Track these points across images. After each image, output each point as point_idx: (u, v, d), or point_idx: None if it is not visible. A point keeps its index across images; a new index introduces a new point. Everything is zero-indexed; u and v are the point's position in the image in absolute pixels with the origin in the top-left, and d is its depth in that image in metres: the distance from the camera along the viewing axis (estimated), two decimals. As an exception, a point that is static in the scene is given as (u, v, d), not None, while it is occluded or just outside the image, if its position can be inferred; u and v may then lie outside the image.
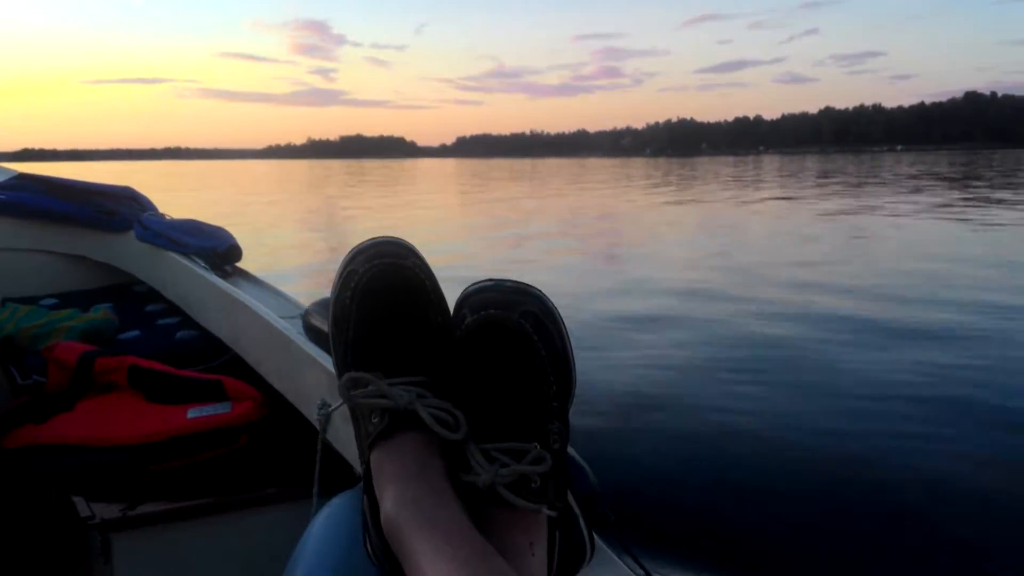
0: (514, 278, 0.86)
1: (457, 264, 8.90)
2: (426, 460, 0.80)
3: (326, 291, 1.84)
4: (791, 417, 3.66)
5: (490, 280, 0.86)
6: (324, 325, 1.69)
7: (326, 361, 1.57)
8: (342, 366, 0.88)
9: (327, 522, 1.55)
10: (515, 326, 0.81)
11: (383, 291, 0.86)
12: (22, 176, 2.82)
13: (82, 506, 1.53)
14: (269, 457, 1.73)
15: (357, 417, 0.85)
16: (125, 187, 2.78)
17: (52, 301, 2.47)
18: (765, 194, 23.07)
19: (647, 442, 3.35)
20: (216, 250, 2.35)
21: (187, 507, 1.58)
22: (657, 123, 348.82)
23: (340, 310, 0.88)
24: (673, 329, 5.53)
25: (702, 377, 4.32)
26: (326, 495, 1.55)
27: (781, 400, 3.90)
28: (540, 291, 0.85)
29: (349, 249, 0.90)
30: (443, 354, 0.86)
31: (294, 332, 1.73)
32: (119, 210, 2.67)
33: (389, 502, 0.77)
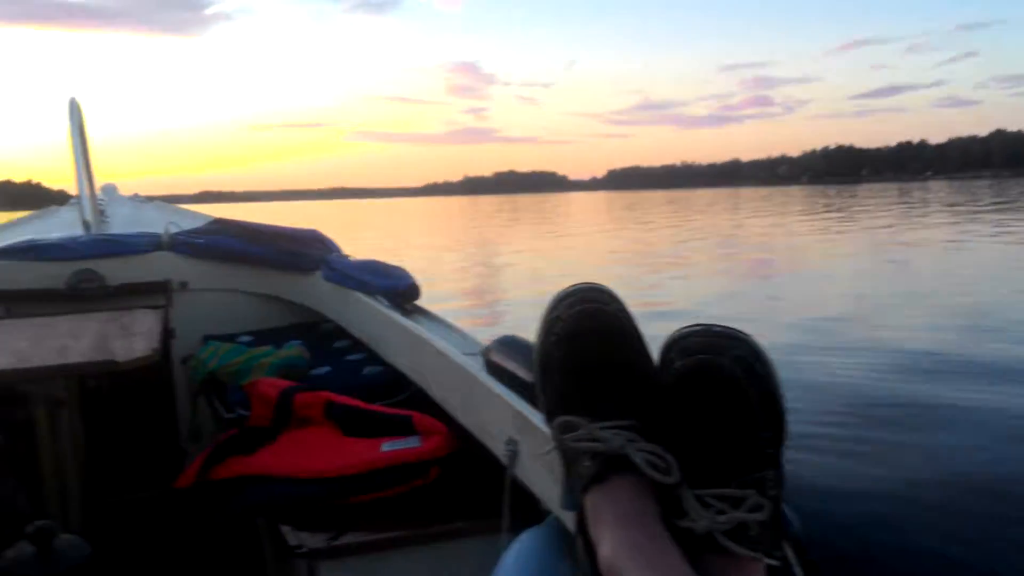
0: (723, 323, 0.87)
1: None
2: (642, 505, 0.81)
3: (505, 329, 1.90)
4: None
5: (699, 325, 0.87)
6: (506, 362, 1.74)
7: (511, 398, 1.61)
8: (550, 410, 0.91)
9: (518, 558, 1.58)
10: (727, 371, 0.82)
11: (588, 336, 0.89)
12: (218, 221, 3.04)
13: (290, 535, 1.63)
14: (458, 491, 1.79)
15: (568, 461, 0.88)
16: (311, 230, 2.96)
17: (248, 339, 2.65)
18: None
19: (857, 486, 3.21)
20: (397, 289, 2.47)
21: (384, 539, 1.65)
22: (814, 150, 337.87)
23: (546, 355, 0.91)
24: (886, 361, 5.33)
25: (919, 408, 4.13)
26: (514, 530, 1.59)
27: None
28: (750, 336, 0.86)
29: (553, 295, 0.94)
30: (649, 398, 0.88)
31: (477, 368, 1.79)
32: (306, 252, 2.84)
33: (608, 546, 0.79)
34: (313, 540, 1.60)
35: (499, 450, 1.62)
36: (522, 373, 1.66)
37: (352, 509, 1.70)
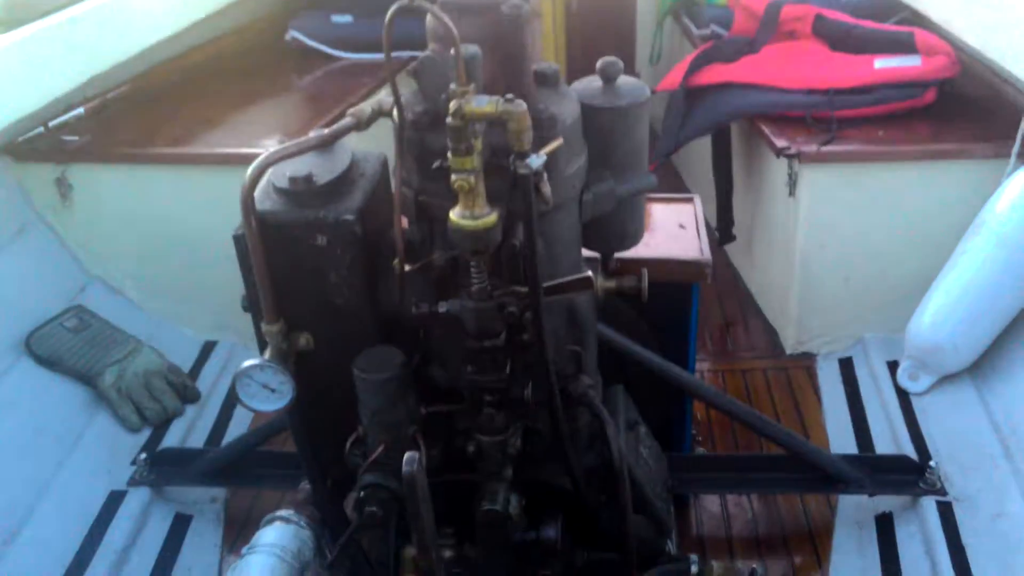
0: None
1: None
2: None
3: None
4: None
5: None
6: None
7: None
8: None
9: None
10: None
11: None
12: None
13: (776, 138, 1.63)
14: (957, 114, 1.67)
15: None
16: None
17: None
18: None
19: None
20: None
21: (871, 151, 1.60)
22: None
23: None
24: None
25: None
26: (1023, 157, 1.47)
27: None
28: None
29: None
30: None
31: None
32: None
33: None
34: (799, 143, 1.60)
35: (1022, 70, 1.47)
36: None
37: (840, 121, 1.66)
